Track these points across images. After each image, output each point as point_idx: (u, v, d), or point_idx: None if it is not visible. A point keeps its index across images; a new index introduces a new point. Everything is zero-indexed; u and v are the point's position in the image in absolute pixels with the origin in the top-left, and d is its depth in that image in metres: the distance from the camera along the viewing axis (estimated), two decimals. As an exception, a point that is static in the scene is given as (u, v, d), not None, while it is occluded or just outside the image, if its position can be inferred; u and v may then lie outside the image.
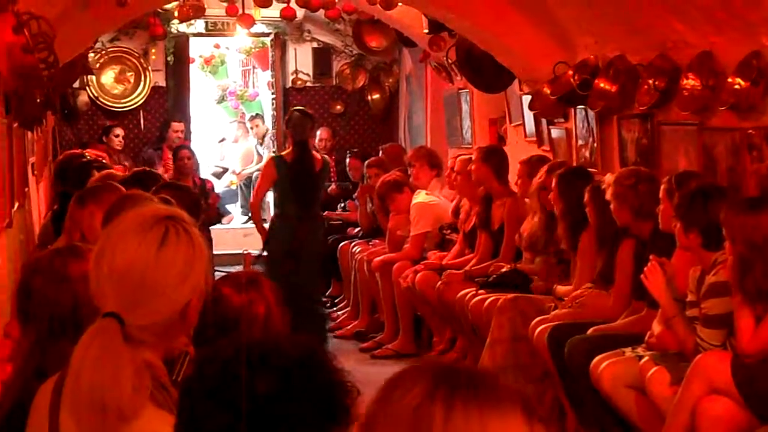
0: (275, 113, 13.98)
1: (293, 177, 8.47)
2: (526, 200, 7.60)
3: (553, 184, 6.64)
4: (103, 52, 12.71)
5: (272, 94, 14.21)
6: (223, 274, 3.32)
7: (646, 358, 5.14)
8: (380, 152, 11.29)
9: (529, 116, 8.78)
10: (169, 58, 13.30)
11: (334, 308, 10.56)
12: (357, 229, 10.76)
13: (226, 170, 15.38)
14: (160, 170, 10.16)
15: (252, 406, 1.67)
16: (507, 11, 7.78)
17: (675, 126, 6.41)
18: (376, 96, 13.68)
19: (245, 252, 10.76)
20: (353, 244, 10.28)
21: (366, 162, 10.78)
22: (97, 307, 2.22)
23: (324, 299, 10.18)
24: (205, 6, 10.32)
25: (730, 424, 4.56)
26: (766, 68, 5.40)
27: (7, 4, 4.48)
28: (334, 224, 10.98)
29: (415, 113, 12.87)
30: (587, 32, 7.24)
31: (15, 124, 6.22)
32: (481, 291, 7.43)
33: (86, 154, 9.21)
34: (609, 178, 6.14)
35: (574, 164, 7.48)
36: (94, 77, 12.59)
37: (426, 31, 9.89)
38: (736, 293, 4.62)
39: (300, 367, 1.71)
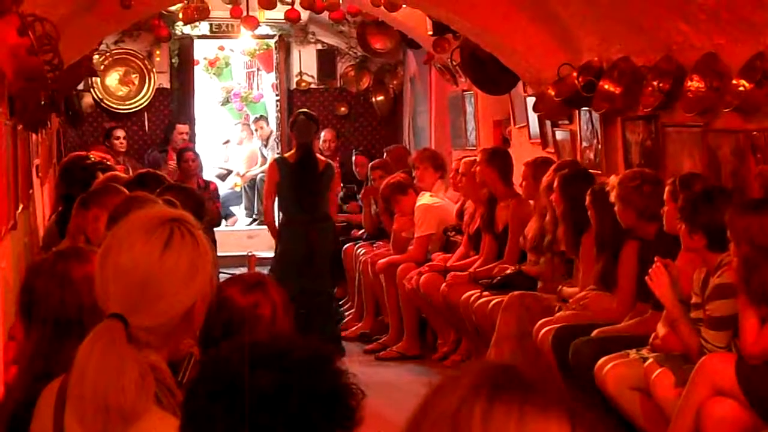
0: (279, 115, 13.99)
1: (296, 179, 8.45)
2: (531, 202, 7.60)
3: (555, 186, 6.65)
4: (108, 54, 12.73)
5: (276, 96, 14.22)
6: (228, 276, 3.32)
7: (650, 360, 5.14)
8: (384, 154, 11.30)
9: (533, 118, 8.78)
10: (173, 60, 13.31)
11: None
12: (361, 231, 10.76)
13: (230, 172, 15.38)
14: (165, 172, 10.16)
15: (257, 408, 1.66)
16: (511, 13, 7.78)
17: (679, 128, 6.41)
18: (380, 98, 13.68)
19: (249, 254, 10.78)
20: (357, 246, 10.28)
21: (370, 164, 10.78)
22: (102, 309, 2.22)
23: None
24: (210, 8, 10.34)
25: (734, 426, 4.55)
26: (770, 70, 5.40)
27: (12, 6, 4.48)
28: (338, 226, 10.98)
29: (420, 115, 12.87)
30: (592, 34, 7.23)
31: (19, 126, 6.23)
32: (485, 293, 7.43)
33: (91, 156, 9.21)
34: (613, 179, 6.14)
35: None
36: (98, 79, 12.62)
37: (430, 32, 9.90)
38: (741, 295, 4.61)
39: (305, 369, 1.71)
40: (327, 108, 13.66)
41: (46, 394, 2.33)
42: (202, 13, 10.29)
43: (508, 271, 7.52)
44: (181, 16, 10.66)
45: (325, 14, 11.13)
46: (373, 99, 13.69)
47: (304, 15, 11.76)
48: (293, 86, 13.82)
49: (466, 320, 7.63)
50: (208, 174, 13.46)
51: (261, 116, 15.29)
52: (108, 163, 9.03)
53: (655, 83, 6.51)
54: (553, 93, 7.66)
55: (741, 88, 5.58)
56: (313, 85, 13.80)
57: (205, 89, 16.06)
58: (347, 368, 1.77)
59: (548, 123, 8.51)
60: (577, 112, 7.85)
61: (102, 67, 12.61)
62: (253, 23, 10.99)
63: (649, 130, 6.75)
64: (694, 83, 6.09)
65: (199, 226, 2.33)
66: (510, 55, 8.19)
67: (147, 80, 13.03)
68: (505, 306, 6.91)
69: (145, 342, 2.21)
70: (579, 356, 5.72)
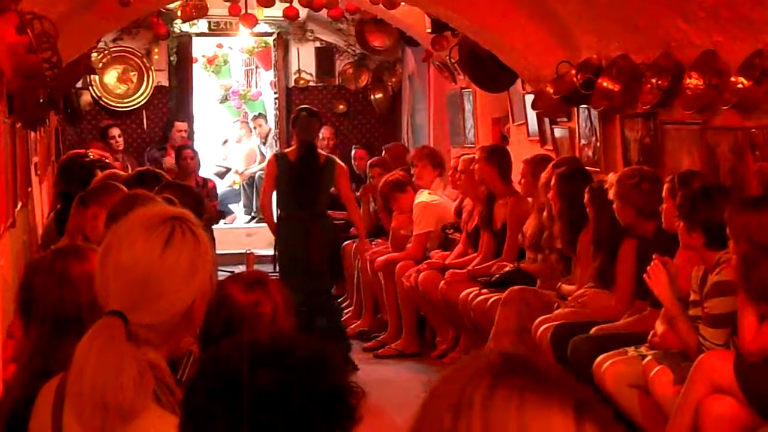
0: (278, 113, 13.99)
1: (296, 175, 8.34)
2: (529, 199, 7.59)
3: (552, 183, 6.64)
4: (106, 51, 12.72)
5: (275, 93, 14.22)
6: (227, 273, 3.32)
7: (649, 358, 5.14)
8: (383, 152, 11.30)
9: (532, 115, 8.78)
10: (172, 58, 13.31)
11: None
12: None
13: (228, 170, 15.38)
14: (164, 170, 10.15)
15: (257, 407, 1.66)
16: (510, 10, 7.77)
17: (678, 125, 6.41)
18: (378, 95, 13.68)
19: (248, 252, 10.79)
20: (356, 243, 10.26)
21: (369, 162, 10.77)
22: (102, 306, 2.23)
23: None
24: (208, 6, 10.34)
25: (733, 424, 4.55)
26: (769, 67, 5.40)
27: (10, 4, 4.48)
28: (336, 224, 10.97)
29: (418, 113, 12.87)
30: (590, 31, 7.23)
31: (18, 124, 6.23)
32: (484, 290, 7.43)
33: (89, 153, 9.20)
34: (612, 177, 6.14)
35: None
36: (97, 77, 12.61)
37: (429, 30, 9.90)
38: (740, 292, 4.61)
39: (306, 368, 1.71)
40: (325, 106, 13.64)
41: (45, 392, 2.33)
42: (201, 11, 10.30)
43: (507, 269, 7.51)
44: (179, 13, 10.68)
45: (324, 12, 11.14)
46: (372, 97, 13.69)
47: (303, 13, 11.77)
48: (292, 84, 13.82)
49: (465, 318, 7.63)
50: (207, 172, 13.46)
51: (260, 114, 15.28)
52: (106, 160, 9.03)
53: (653, 81, 6.51)
54: (551, 90, 7.66)
55: (740, 86, 5.58)
56: (311, 83, 13.80)
57: (204, 87, 16.05)
58: (357, 364, 1.78)
59: (547, 120, 8.51)
60: (575, 109, 7.85)
61: (100, 64, 12.60)
62: (251, 21, 10.99)
63: (648, 128, 6.75)
64: (693, 81, 6.09)
65: (200, 224, 2.33)
66: (508, 52, 8.19)
67: (145, 78, 13.03)
68: (505, 300, 6.90)
69: (145, 339, 2.21)
70: (577, 354, 5.72)
